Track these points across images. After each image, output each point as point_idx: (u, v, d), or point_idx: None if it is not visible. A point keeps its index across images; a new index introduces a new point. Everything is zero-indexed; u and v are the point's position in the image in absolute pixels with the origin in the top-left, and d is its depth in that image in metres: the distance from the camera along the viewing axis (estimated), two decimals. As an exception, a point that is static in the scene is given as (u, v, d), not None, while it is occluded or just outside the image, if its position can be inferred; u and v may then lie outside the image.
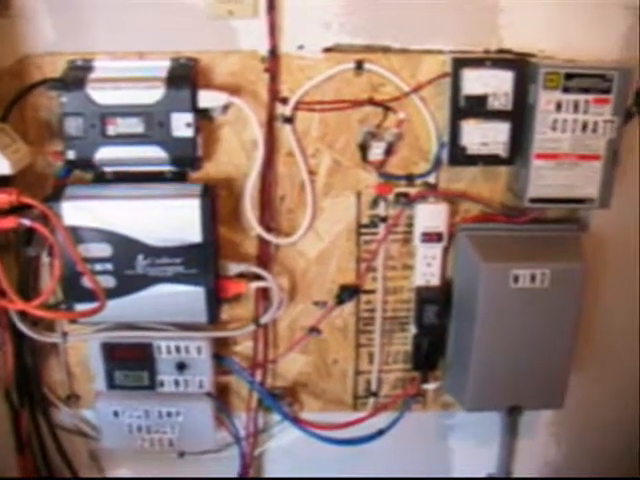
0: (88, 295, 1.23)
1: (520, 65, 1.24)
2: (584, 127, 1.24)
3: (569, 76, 1.21)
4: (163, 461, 1.54)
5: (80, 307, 1.27)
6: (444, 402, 1.55)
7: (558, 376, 1.40)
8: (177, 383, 1.40)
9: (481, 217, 1.39)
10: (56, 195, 1.25)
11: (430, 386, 1.49)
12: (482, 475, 1.63)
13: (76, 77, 1.22)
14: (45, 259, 1.32)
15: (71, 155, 1.23)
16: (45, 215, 1.18)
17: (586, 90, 1.22)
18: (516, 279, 1.30)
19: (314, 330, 1.45)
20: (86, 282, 1.25)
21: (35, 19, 1.23)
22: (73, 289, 1.27)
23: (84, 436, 1.52)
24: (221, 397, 1.47)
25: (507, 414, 1.47)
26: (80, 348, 1.43)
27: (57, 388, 1.48)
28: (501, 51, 1.28)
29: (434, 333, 1.43)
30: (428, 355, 1.44)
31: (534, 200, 1.28)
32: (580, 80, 1.21)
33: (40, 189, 1.29)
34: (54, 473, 1.51)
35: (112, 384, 1.40)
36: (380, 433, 1.49)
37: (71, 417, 1.50)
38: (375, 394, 1.52)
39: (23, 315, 1.31)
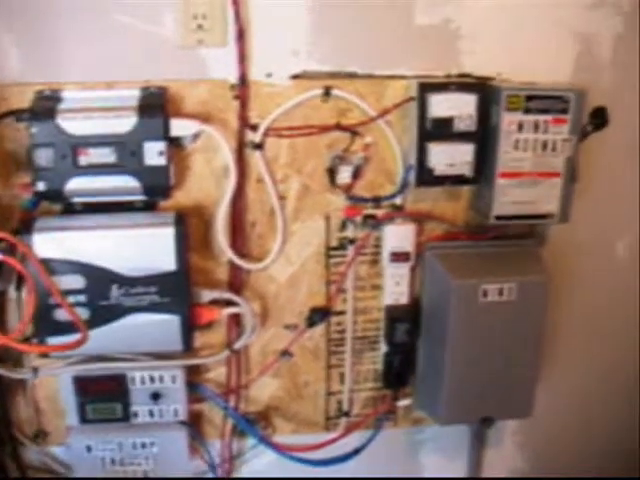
0: (60, 328, 1.23)
1: (483, 88, 1.30)
2: (544, 146, 1.30)
3: (529, 98, 1.27)
4: (136, 494, 1.51)
5: (52, 341, 1.25)
6: (414, 418, 1.58)
7: (526, 385, 1.44)
8: (151, 413, 1.39)
9: (446, 236, 1.43)
10: (26, 227, 1.22)
11: (402, 403, 1.52)
12: (452, 487, 1.68)
13: (46, 107, 1.20)
14: (12, 294, 1.29)
15: (41, 187, 1.21)
16: (16, 248, 1.17)
17: (545, 111, 1.28)
18: (485, 293, 1.34)
19: (286, 353, 1.46)
20: (58, 315, 1.24)
21: (1, 49, 1.22)
22: (44, 323, 1.25)
23: (53, 474, 1.48)
24: (194, 425, 1.46)
25: (479, 425, 1.51)
26: (48, 383, 1.40)
27: (24, 425, 1.44)
28: (461, 75, 1.34)
29: (405, 350, 1.46)
30: (399, 372, 1.47)
31: (499, 217, 1.34)
32: (540, 102, 1.27)
33: (5, 222, 1.27)
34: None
35: (84, 418, 1.38)
36: (356, 452, 1.51)
37: (39, 455, 1.46)
38: (347, 414, 1.54)
39: (-10, 352, 1.29)
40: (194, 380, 1.43)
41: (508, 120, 1.27)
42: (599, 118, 1.35)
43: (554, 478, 1.75)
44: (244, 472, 1.56)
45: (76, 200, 1.26)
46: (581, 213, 1.43)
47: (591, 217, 1.49)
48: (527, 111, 1.27)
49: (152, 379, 1.36)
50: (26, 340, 1.30)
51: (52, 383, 1.40)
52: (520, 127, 1.28)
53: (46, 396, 1.42)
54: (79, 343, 1.13)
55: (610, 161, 1.46)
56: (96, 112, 1.21)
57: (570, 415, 1.69)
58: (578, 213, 1.40)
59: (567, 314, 1.57)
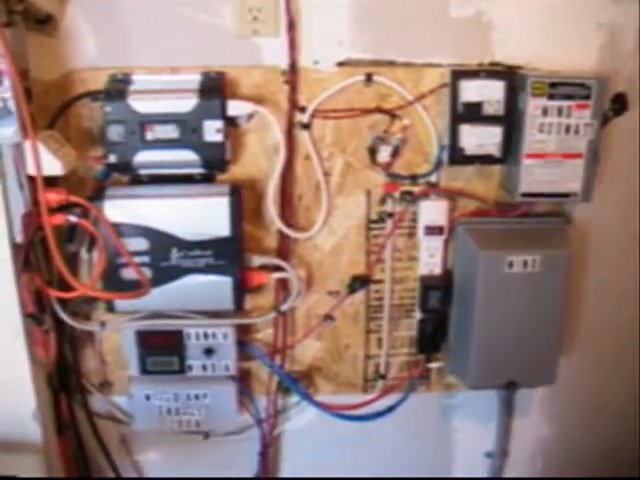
0: (126, 285, 1.37)
1: (510, 76, 1.41)
2: (567, 129, 1.40)
3: (553, 85, 1.37)
4: (189, 443, 1.65)
5: (119, 297, 1.41)
6: (446, 383, 1.69)
7: (549, 353, 1.55)
8: (204, 367, 1.52)
9: (477, 212, 1.54)
10: (99, 195, 1.38)
11: (434, 365, 1.63)
12: (481, 450, 1.77)
13: (118, 89, 1.35)
14: (84, 255, 1.43)
15: (112, 159, 1.35)
16: (89, 212, 1.33)
17: (569, 97, 1.38)
18: (510, 265, 1.45)
19: (328, 318, 1.59)
20: (124, 274, 1.39)
21: (80, 38, 1.37)
22: (112, 280, 1.39)
23: (116, 421, 1.63)
24: (243, 381, 1.60)
25: (504, 390, 1.61)
26: (113, 338, 1.56)
27: (91, 376, 1.59)
28: (493, 64, 1.45)
29: (437, 317, 1.58)
30: (432, 337, 1.59)
31: (525, 195, 1.44)
32: (563, 88, 1.38)
33: (80, 190, 1.41)
34: (88, 455, 1.63)
35: (144, 369, 1.52)
36: (390, 409, 1.63)
37: (104, 403, 1.62)
38: (383, 376, 1.66)
39: (64, 305, 1.43)
40: (244, 339, 1.56)
41: (533, 105, 1.38)
42: (619, 104, 1.44)
43: (558, 478, 1.86)
44: (287, 427, 1.69)
45: (143, 172, 1.40)
46: (606, 194, 1.53)
47: (615, 198, 1.58)
48: (551, 97, 1.38)
49: (206, 336, 1.50)
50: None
51: (116, 338, 1.55)
52: (544, 112, 1.38)
53: (111, 349, 1.57)
54: (142, 293, 1.29)
55: (633, 145, 1.55)
56: (162, 94, 1.35)
57: (596, 386, 1.78)
58: (603, 194, 1.51)
59: (592, 288, 1.66)
